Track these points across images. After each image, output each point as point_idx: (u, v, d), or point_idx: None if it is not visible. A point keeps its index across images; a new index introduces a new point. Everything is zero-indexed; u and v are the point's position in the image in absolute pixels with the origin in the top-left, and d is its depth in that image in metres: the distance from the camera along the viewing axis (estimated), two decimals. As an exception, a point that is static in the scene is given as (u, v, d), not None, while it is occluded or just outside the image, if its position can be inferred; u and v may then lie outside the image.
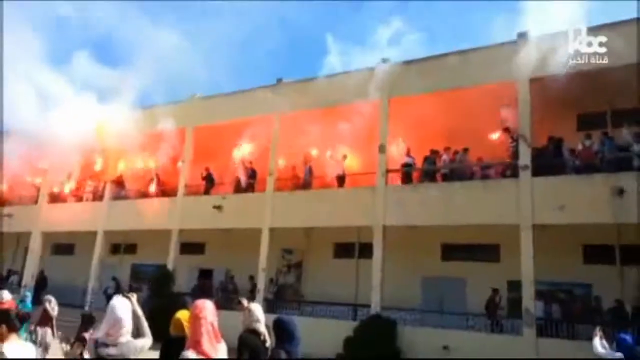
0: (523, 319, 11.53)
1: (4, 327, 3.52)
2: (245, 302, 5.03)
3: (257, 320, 4.56)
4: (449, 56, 13.86)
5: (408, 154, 14.68)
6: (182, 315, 4.10)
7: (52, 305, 8.21)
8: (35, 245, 21.26)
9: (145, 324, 3.89)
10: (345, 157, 15.77)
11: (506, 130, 12.97)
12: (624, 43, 10.92)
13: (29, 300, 9.33)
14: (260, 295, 15.14)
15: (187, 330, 3.84)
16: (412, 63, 14.50)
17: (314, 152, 16.80)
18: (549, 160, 12.57)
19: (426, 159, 14.44)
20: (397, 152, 15.02)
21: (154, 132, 17.61)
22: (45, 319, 7.90)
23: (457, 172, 13.91)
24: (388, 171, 14.23)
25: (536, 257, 11.74)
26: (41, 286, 19.69)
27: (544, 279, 12.39)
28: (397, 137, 15.10)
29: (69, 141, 16.54)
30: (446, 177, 13.99)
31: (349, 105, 14.57)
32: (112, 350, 3.76)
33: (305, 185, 16.09)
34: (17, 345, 3.65)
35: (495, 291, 13.47)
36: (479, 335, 12.35)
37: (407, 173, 14.38)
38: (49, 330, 7.82)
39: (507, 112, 13.05)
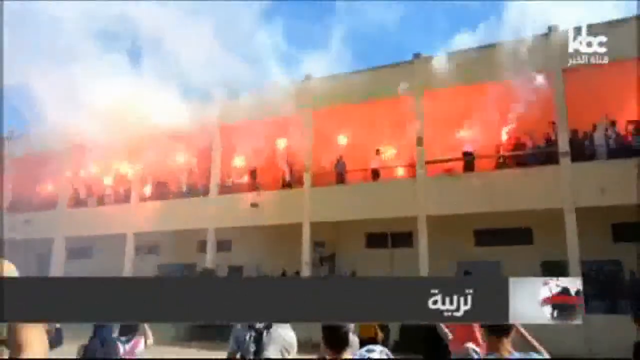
0: (572, 296, 12.25)
1: None
2: None
3: None
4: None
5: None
6: None
7: None
8: (58, 250, 20.96)
9: None
10: (378, 151, 16.23)
11: (552, 123, 13.70)
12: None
13: None
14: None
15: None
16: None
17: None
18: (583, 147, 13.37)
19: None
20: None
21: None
22: None
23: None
24: (427, 162, 14.79)
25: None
26: None
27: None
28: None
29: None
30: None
31: (383, 101, 15.14)
32: None
33: (339, 179, 16.48)
34: None
35: None
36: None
37: (468, 162, 14.96)
38: None
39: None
